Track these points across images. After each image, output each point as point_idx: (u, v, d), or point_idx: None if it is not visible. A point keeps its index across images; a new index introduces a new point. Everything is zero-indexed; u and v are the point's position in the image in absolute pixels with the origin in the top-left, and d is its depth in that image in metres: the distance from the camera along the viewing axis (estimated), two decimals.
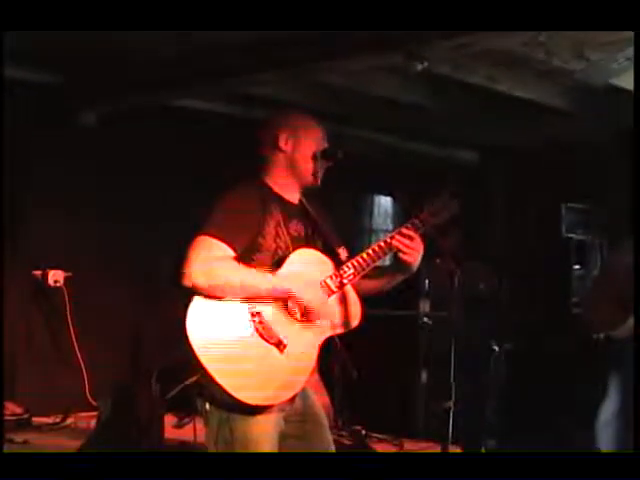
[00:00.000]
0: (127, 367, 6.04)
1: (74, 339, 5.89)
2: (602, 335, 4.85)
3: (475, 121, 6.40)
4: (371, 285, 3.10)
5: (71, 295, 5.93)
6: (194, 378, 2.76)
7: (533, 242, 6.91)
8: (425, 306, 6.18)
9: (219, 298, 2.76)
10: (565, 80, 5.39)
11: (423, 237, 3.03)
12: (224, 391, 2.70)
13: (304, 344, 2.86)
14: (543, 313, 6.42)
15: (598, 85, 5.40)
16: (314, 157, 3.00)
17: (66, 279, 5.93)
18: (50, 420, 5.63)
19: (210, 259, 2.74)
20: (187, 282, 2.72)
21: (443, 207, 3.11)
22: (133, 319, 6.19)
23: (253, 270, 2.82)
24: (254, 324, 2.79)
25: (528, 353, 6.29)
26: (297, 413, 2.95)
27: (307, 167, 3.00)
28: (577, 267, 6.61)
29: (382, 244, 3.00)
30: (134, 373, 5.92)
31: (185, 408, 5.39)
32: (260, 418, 2.80)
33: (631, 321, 4.38)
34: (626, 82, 5.14)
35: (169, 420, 5.32)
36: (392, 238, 3.00)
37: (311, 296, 2.86)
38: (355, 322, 2.96)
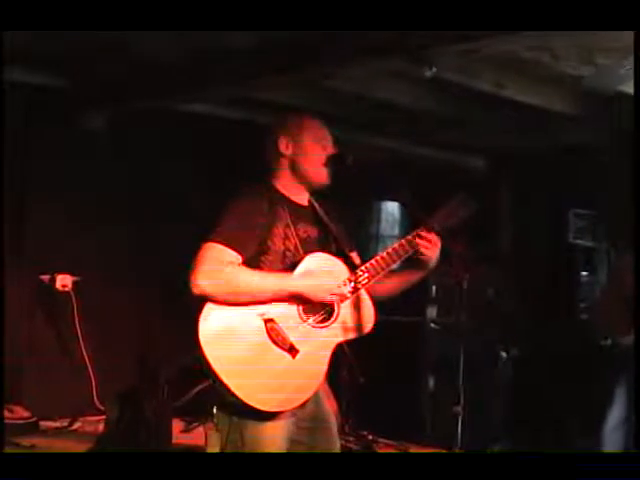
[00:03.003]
0: (135, 371, 6.04)
1: (82, 343, 5.90)
2: (610, 340, 4.85)
3: (482, 126, 6.40)
4: (387, 287, 3.09)
5: (79, 299, 5.94)
6: (206, 384, 2.77)
7: (540, 248, 6.90)
8: (432, 312, 6.18)
9: (230, 304, 2.75)
10: (572, 86, 5.38)
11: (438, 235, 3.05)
12: (236, 397, 2.70)
13: (316, 349, 2.85)
14: (550, 319, 6.41)
15: (606, 91, 5.39)
16: (317, 157, 2.99)
17: (74, 283, 5.94)
18: (57, 424, 5.65)
19: (218, 265, 2.74)
20: (196, 290, 2.72)
21: (455, 210, 3.12)
22: (141, 323, 6.20)
23: (264, 272, 2.82)
24: (266, 329, 2.79)
25: (535, 359, 6.28)
26: (308, 419, 2.96)
27: (311, 168, 3.00)
28: (584, 273, 6.60)
29: (397, 247, 3.00)
30: (142, 377, 5.92)
31: (193, 413, 5.41)
32: (271, 423, 2.80)
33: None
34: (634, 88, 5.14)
35: (177, 425, 5.33)
36: (408, 240, 3.00)
37: (326, 297, 2.86)
38: (368, 327, 2.95)
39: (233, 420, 2.81)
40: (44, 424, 5.59)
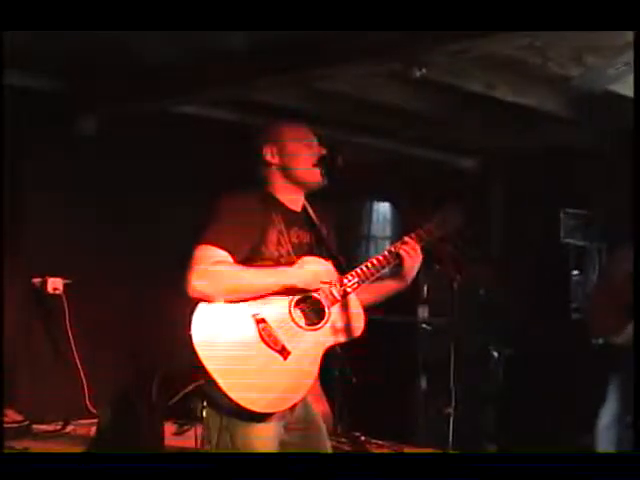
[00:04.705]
0: (127, 374, 6.03)
1: (73, 346, 5.89)
2: (601, 340, 4.86)
3: (474, 127, 6.41)
4: (368, 296, 3.10)
5: (70, 302, 5.92)
6: (196, 384, 2.77)
7: (532, 248, 6.91)
8: (424, 312, 6.19)
9: (229, 301, 2.76)
10: (563, 86, 5.40)
11: (423, 248, 3.08)
12: (227, 397, 2.70)
13: (307, 351, 2.85)
14: (542, 318, 6.43)
15: (596, 91, 5.40)
16: (305, 158, 2.99)
17: (65, 286, 5.93)
18: (50, 428, 5.62)
19: (212, 265, 2.74)
20: (193, 293, 2.73)
21: (447, 220, 3.14)
22: (133, 326, 6.18)
23: (259, 268, 2.83)
24: (258, 330, 2.79)
25: (527, 358, 6.29)
26: (298, 421, 2.96)
27: (302, 170, 2.99)
28: (576, 273, 6.62)
29: (387, 253, 3.04)
30: (134, 380, 5.91)
31: (185, 415, 5.40)
32: (261, 425, 2.79)
33: (631, 327, 4.38)
34: (624, 88, 5.15)
35: (169, 427, 5.32)
36: (397, 247, 3.04)
37: (319, 284, 2.88)
38: (359, 331, 2.96)
39: (224, 422, 2.80)
40: (37, 428, 5.57)
